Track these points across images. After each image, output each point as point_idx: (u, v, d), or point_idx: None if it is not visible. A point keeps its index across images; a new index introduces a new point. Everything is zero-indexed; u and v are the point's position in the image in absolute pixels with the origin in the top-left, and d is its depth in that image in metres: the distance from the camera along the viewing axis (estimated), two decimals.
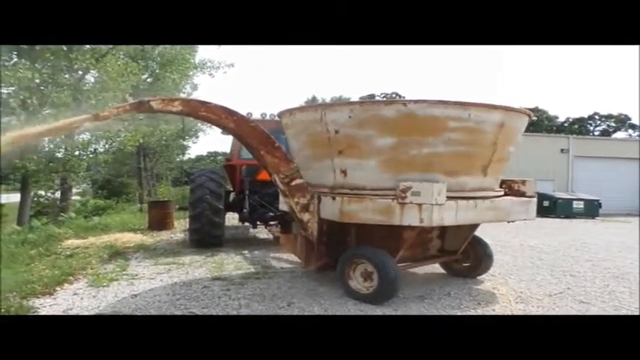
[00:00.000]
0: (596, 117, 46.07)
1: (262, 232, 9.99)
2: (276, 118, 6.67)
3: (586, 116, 46.11)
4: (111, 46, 13.04)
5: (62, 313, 4.31)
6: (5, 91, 10.57)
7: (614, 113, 45.14)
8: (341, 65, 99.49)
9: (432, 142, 4.55)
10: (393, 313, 4.43)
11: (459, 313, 4.51)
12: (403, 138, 4.58)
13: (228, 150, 9.96)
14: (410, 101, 4.55)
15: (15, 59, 10.85)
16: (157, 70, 18.39)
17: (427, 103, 4.51)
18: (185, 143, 25.29)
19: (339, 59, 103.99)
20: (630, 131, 44.42)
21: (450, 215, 4.39)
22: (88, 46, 12.15)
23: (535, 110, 37.49)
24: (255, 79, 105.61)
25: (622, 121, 45.01)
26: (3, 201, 18.97)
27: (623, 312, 4.70)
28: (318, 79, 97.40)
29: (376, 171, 4.70)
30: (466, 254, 5.92)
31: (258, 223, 8.73)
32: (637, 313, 4.56)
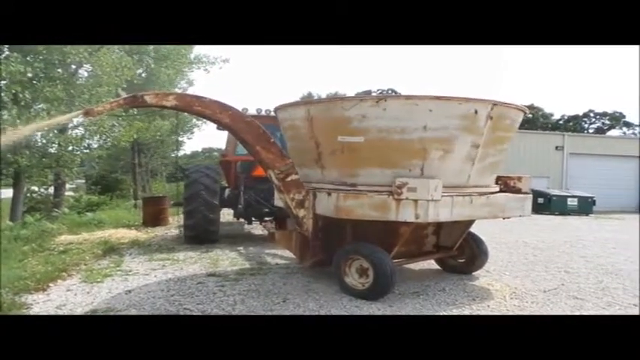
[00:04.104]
0: (591, 114, 46.25)
1: (257, 229, 9.98)
2: (272, 113, 6.63)
3: (581, 114, 46.30)
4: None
5: (55, 309, 4.27)
6: None
7: (609, 111, 45.38)
8: (339, 60, 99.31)
9: (285, 138, 5.82)
10: (389, 309, 4.44)
11: (454, 309, 4.52)
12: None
13: (223, 146, 9.91)
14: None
15: (7, 52, 10.67)
16: (152, 65, 18.22)
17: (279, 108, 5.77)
18: (180, 139, 25.14)
19: (337, 54, 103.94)
20: (625, 129, 44.68)
21: (445, 211, 4.40)
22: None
23: (530, 107, 37.53)
24: (252, 74, 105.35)
25: (617, 119, 45.20)
26: None
27: (617, 308, 4.74)
28: (316, 74, 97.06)
29: None
30: (461, 250, 5.94)
31: (254, 219, 8.71)
32: (637, 313, 4.57)
